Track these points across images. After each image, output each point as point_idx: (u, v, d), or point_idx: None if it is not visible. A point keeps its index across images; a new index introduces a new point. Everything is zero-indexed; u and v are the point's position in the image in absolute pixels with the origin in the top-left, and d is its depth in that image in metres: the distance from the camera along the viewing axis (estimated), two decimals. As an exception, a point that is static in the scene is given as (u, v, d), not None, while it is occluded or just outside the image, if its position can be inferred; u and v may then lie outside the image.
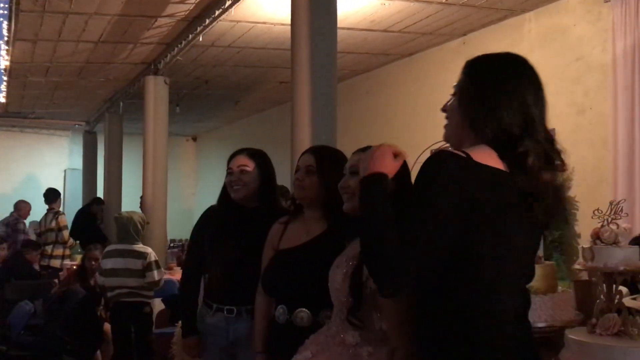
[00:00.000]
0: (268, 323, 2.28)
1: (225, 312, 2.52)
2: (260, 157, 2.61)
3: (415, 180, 1.46)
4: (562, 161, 1.51)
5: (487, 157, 1.42)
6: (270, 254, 2.29)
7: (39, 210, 12.91)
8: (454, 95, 1.55)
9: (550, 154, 1.47)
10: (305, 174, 2.22)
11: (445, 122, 1.58)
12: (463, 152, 1.42)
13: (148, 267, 4.63)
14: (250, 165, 2.55)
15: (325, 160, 2.23)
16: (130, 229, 4.68)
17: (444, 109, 1.56)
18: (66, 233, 7.36)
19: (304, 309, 2.13)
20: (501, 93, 1.45)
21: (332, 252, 1.99)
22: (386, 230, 1.37)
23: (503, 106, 1.44)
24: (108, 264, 4.60)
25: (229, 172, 2.57)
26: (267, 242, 2.34)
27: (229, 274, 2.52)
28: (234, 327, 2.49)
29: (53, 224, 7.43)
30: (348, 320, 1.81)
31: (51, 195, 7.81)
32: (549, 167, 1.47)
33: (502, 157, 1.44)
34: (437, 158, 1.42)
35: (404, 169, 1.88)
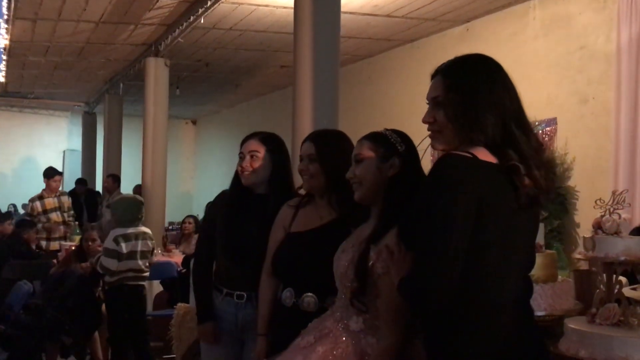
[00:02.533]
0: (272, 306, 2.28)
1: (235, 298, 2.47)
2: (273, 142, 2.51)
3: (428, 186, 1.50)
4: (541, 153, 1.58)
5: (486, 155, 1.50)
6: (281, 236, 2.27)
7: (38, 190, 12.92)
8: (436, 106, 1.58)
9: (530, 155, 1.54)
10: (308, 163, 2.20)
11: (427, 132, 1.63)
12: (469, 152, 1.48)
13: (153, 249, 4.67)
14: (261, 151, 2.47)
15: (325, 146, 2.20)
16: (142, 211, 4.70)
17: (425, 121, 1.61)
18: (41, 218, 7.20)
19: (311, 294, 2.10)
20: (483, 103, 1.52)
21: (342, 239, 1.97)
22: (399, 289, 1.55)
23: (487, 117, 1.51)
24: (128, 247, 4.53)
25: (240, 157, 2.52)
26: (277, 224, 2.30)
27: (239, 260, 2.49)
28: (243, 312, 2.47)
29: (28, 209, 7.39)
30: (352, 304, 1.81)
31: (44, 176, 7.61)
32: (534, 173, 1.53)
33: (492, 153, 1.52)
34: (446, 163, 1.47)
35: (411, 149, 1.87)
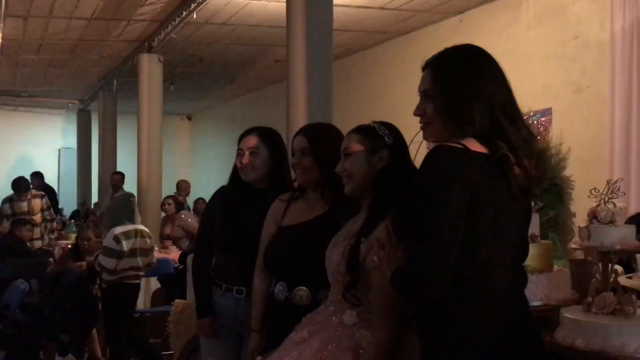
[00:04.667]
0: (265, 301, 2.29)
1: (234, 293, 2.49)
2: (271, 138, 2.51)
3: (420, 178, 1.50)
4: (531, 145, 1.57)
5: (476, 146, 1.50)
6: (273, 230, 2.28)
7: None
8: (426, 98, 1.59)
9: (519, 146, 1.54)
10: (301, 157, 2.19)
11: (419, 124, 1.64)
12: (459, 143, 1.49)
13: (152, 248, 4.66)
14: (260, 147, 2.47)
15: (318, 139, 2.20)
16: (133, 205, 4.68)
17: (416, 114, 1.61)
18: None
19: (303, 288, 2.11)
20: (469, 95, 1.52)
21: (334, 232, 1.98)
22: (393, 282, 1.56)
23: (474, 108, 1.51)
24: (129, 244, 4.50)
25: (239, 153, 2.52)
26: (268, 218, 2.30)
27: (238, 255, 2.50)
28: (242, 307, 2.48)
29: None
30: (344, 298, 1.81)
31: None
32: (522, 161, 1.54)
33: (482, 144, 1.53)
34: (437, 155, 1.48)
35: (399, 141, 1.87)
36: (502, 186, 1.50)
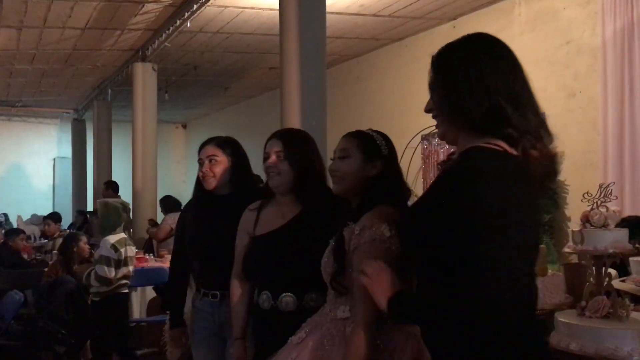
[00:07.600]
0: (246, 309, 2.30)
1: (210, 297, 2.55)
2: (229, 145, 2.60)
3: (463, 189, 1.31)
4: (544, 138, 1.41)
5: (505, 145, 1.37)
6: (246, 241, 2.29)
7: (29, 199, 12.86)
8: (432, 92, 1.49)
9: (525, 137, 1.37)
10: (275, 160, 2.21)
11: (434, 121, 1.52)
12: (496, 144, 1.35)
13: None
14: (219, 155, 2.56)
15: (292, 143, 2.23)
16: (124, 216, 4.72)
17: (427, 110, 1.50)
18: None
19: (288, 294, 2.11)
20: (464, 85, 1.38)
21: (309, 234, 2.02)
22: (441, 313, 1.32)
23: (466, 99, 1.37)
24: (124, 253, 4.52)
25: (200, 163, 2.60)
26: (240, 229, 2.32)
27: (207, 260, 2.57)
28: (219, 311, 2.53)
29: None
30: (332, 286, 1.83)
31: None
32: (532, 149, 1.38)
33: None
34: (482, 160, 1.34)
35: (392, 153, 1.91)
36: (532, 188, 1.37)
